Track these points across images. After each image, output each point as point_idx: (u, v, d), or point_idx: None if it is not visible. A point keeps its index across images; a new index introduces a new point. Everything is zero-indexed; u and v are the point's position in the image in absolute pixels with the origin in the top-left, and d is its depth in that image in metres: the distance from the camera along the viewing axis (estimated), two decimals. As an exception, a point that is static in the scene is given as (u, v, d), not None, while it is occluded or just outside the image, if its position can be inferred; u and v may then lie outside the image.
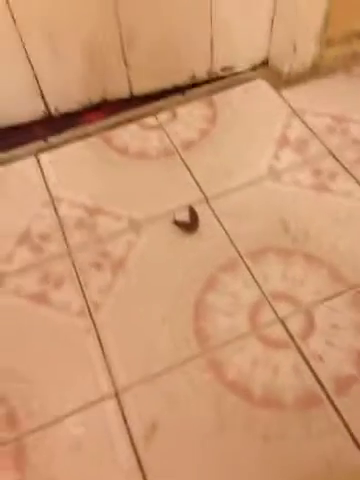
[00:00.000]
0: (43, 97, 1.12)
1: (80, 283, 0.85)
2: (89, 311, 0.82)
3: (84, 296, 0.84)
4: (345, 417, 0.68)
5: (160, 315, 0.81)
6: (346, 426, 0.68)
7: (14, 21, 0.98)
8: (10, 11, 0.96)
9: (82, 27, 1.03)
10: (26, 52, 1.03)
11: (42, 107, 1.14)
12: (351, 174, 0.96)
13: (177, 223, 0.92)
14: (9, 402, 0.73)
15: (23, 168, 1.06)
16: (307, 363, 0.73)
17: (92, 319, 0.81)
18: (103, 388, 0.73)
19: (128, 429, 0.69)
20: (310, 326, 0.77)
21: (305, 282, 0.82)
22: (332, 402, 0.70)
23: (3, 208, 0.99)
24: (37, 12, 0.98)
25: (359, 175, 0.96)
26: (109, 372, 0.75)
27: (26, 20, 0.98)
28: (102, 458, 0.67)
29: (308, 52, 1.13)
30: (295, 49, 1.11)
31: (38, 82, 1.09)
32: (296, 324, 0.77)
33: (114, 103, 1.18)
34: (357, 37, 1.17)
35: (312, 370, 0.72)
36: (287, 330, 0.77)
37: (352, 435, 0.67)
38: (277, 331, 0.77)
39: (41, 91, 1.11)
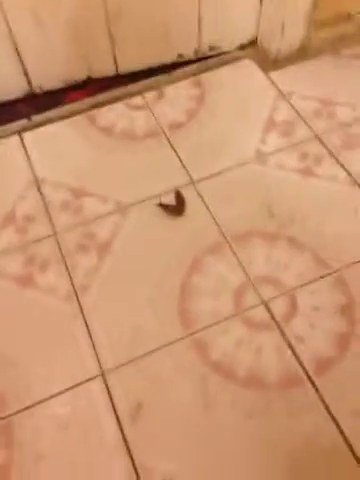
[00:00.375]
0: (27, 75, 1.10)
1: (66, 265, 0.85)
2: (75, 294, 0.82)
3: (70, 279, 0.84)
4: (324, 396, 0.71)
5: (146, 297, 0.81)
6: (325, 405, 0.70)
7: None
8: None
9: (67, 3, 1.00)
10: (10, 29, 1.00)
11: (26, 85, 1.11)
12: (336, 159, 0.97)
13: (162, 206, 0.92)
14: (-4, 383, 0.74)
15: (6, 147, 1.05)
16: (289, 345, 0.75)
17: (78, 301, 0.81)
18: (89, 369, 0.74)
19: (114, 408, 0.71)
20: (293, 309, 0.79)
21: (289, 266, 0.83)
22: (312, 382, 0.72)
23: (-13, 188, 0.97)
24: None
25: (344, 160, 0.96)
26: (95, 353, 0.76)
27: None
28: (89, 436, 0.69)
29: (296, 33, 1.12)
30: (283, 30, 1.10)
31: (21, 60, 1.07)
32: (279, 307, 0.79)
33: (99, 81, 1.16)
34: (345, 19, 1.16)
35: (294, 351, 0.75)
36: (270, 312, 0.79)
37: (330, 413, 0.70)
38: (260, 313, 0.79)
39: (25, 69, 1.08)
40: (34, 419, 0.70)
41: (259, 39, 1.18)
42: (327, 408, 0.70)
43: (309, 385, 0.72)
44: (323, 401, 0.70)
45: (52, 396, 0.72)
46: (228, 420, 0.70)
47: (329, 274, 0.82)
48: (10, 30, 1.01)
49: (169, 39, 1.13)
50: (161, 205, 0.92)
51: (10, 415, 0.71)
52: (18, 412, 0.71)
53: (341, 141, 1.00)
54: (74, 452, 0.68)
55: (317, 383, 0.72)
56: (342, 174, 0.95)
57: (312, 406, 0.71)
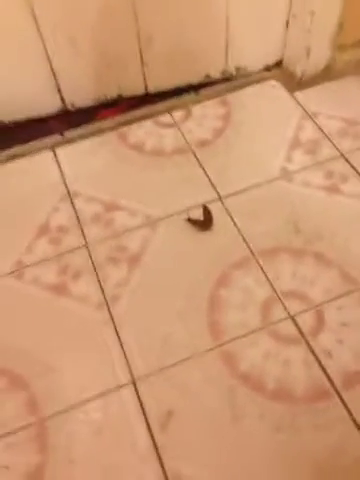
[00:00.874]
0: (60, 92, 1.14)
1: (97, 276, 0.88)
2: (107, 303, 0.85)
3: (101, 289, 0.87)
4: (351, 410, 0.72)
5: (175, 309, 0.84)
6: (352, 418, 0.71)
7: (35, 20, 1.00)
8: (32, 11, 0.98)
9: (102, 31, 1.06)
10: (45, 49, 1.06)
11: (59, 102, 1.16)
12: (362, 177, 0.99)
13: (190, 221, 0.95)
14: (31, 388, 0.76)
15: (40, 161, 1.09)
16: (317, 359, 0.76)
17: (110, 312, 0.84)
18: (121, 377, 0.76)
19: (145, 415, 0.73)
20: (320, 323, 0.80)
21: (315, 281, 0.85)
22: (340, 396, 0.73)
23: (22, 200, 1.01)
24: (59, 15, 1.01)
25: (370, 178, 0.99)
26: (126, 362, 0.78)
27: (47, 21, 1.01)
28: (121, 442, 0.71)
29: (322, 56, 1.15)
30: (309, 53, 1.13)
31: (56, 78, 1.12)
32: (306, 321, 0.80)
33: (129, 99, 1.20)
34: (369, 42, 1.19)
35: (321, 365, 0.76)
36: (297, 326, 0.80)
37: (358, 426, 0.71)
38: (288, 327, 0.80)
39: (58, 86, 1.13)
40: (68, 424, 0.72)
41: (285, 61, 1.22)
42: (354, 421, 0.71)
43: (337, 399, 0.73)
44: (351, 415, 0.71)
45: (85, 401, 0.74)
46: (255, 432, 0.71)
47: (357, 290, 0.83)
48: (46, 50, 1.06)
49: (197, 61, 1.17)
50: (189, 220, 0.95)
51: (45, 419, 0.73)
52: (52, 416, 0.73)
53: (366, 160, 1.02)
54: (106, 457, 0.70)
55: (344, 397, 0.73)
56: (368, 192, 0.97)
57: (339, 420, 0.72)
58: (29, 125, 1.16)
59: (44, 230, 0.96)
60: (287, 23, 1.15)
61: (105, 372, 0.77)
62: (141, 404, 0.74)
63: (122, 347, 0.80)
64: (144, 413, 0.73)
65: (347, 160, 1.02)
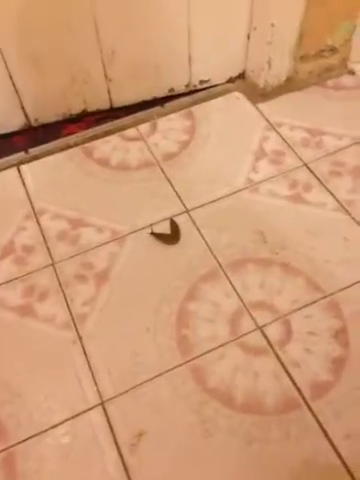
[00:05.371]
0: (23, 109, 1.13)
1: (64, 295, 0.87)
2: (74, 323, 0.83)
3: (69, 308, 0.85)
4: (321, 420, 0.72)
5: (144, 325, 0.83)
6: (322, 428, 0.72)
7: (-5, 36, 0.99)
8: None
9: (64, 46, 1.05)
10: (6, 66, 1.04)
11: (23, 118, 1.15)
12: (325, 186, 1.00)
13: (155, 235, 0.95)
14: (-4, 414, 0.74)
15: (4, 179, 1.07)
16: (285, 369, 0.77)
17: (77, 331, 0.83)
18: (89, 398, 0.75)
19: (114, 437, 0.72)
20: (288, 333, 0.81)
21: (283, 291, 0.86)
22: (309, 406, 0.73)
23: (-14, 220, 0.99)
24: (19, 32, 0.99)
25: (332, 187, 1.00)
26: (95, 382, 0.77)
27: (7, 38, 1.00)
28: (90, 466, 0.69)
29: (283, 67, 1.17)
30: (270, 64, 1.15)
31: (18, 94, 1.10)
32: (274, 332, 0.81)
33: (95, 114, 1.20)
34: (330, 51, 1.21)
35: (290, 376, 0.76)
36: (266, 338, 0.80)
37: (327, 436, 0.71)
38: (256, 338, 0.81)
39: (21, 103, 1.12)
40: (36, 449, 0.71)
41: (247, 73, 1.23)
42: (324, 431, 0.71)
43: (306, 409, 0.73)
44: (320, 424, 0.72)
45: (54, 426, 0.73)
46: (227, 446, 0.71)
47: (322, 298, 0.84)
48: (8, 68, 1.05)
49: (161, 75, 1.18)
50: (154, 234, 0.95)
51: (12, 446, 0.71)
52: (20, 443, 0.71)
53: (329, 169, 1.04)
54: (76, 482, 0.68)
55: (313, 407, 0.73)
56: (331, 201, 0.98)
57: (309, 430, 0.72)
58: (-8, 143, 1.14)
59: (9, 250, 0.94)
60: (248, 36, 1.16)
61: (73, 394, 0.76)
62: (110, 426, 0.72)
63: (90, 367, 0.78)
64: (113, 435, 0.72)
65: (310, 170, 1.03)
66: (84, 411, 0.74)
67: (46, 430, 0.72)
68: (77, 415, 0.74)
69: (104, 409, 0.74)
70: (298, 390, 0.75)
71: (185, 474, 0.69)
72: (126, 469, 0.69)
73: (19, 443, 0.72)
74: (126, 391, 0.76)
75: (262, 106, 1.18)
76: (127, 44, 1.09)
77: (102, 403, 0.74)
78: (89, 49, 1.08)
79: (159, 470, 0.69)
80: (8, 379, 0.78)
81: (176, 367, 0.78)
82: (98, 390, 0.76)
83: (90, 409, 0.74)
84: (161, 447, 0.71)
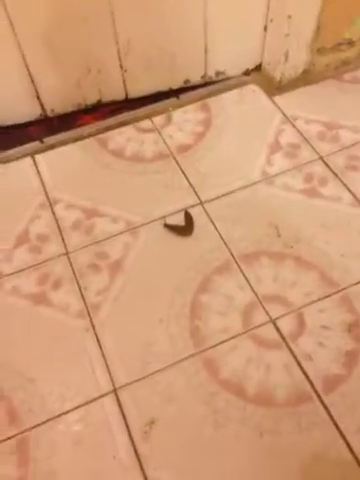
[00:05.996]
0: (39, 99, 1.14)
1: (78, 284, 0.88)
2: (88, 312, 0.84)
3: (83, 297, 0.86)
4: (333, 413, 0.72)
5: (157, 315, 0.83)
6: (333, 421, 0.72)
7: (12, 27, 0.99)
8: (8, 17, 0.97)
9: (80, 36, 1.05)
10: (23, 56, 1.05)
11: (39, 108, 1.15)
12: (340, 180, 1.00)
13: (169, 226, 0.95)
14: (11, 399, 0.75)
15: (20, 168, 1.08)
16: (297, 362, 0.77)
17: (91, 319, 0.83)
18: (102, 386, 0.76)
19: (127, 425, 0.72)
20: (301, 327, 0.80)
21: (296, 284, 0.85)
22: (321, 400, 0.73)
23: (1, 208, 1.00)
24: (36, 21, 1.00)
25: (348, 181, 0.99)
26: (108, 370, 0.77)
27: (24, 27, 1.00)
28: (102, 452, 0.70)
29: (299, 60, 1.16)
30: (287, 57, 1.14)
31: (34, 84, 1.11)
32: (287, 325, 0.81)
33: (110, 105, 1.20)
34: (347, 45, 1.20)
35: (302, 369, 0.76)
36: (278, 330, 0.80)
37: (339, 429, 0.71)
38: (269, 331, 0.80)
39: (37, 93, 1.12)
40: (49, 435, 0.72)
41: (264, 65, 1.22)
42: (335, 424, 0.71)
43: (318, 402, 0.73)
44: (331, 417, 0.72)
45: (66, 412, 0.73)
46: (238, 437, 0.71)
47: (336, 293, 0.84)
48: (24, 58, 1.05)
49: (176, 66, 1.17)
50: (167, 226, 0.95)
51: (24, 431, 0.72)
52: (33, 428, 0.72)
53: (345, 163, 1.03)
54: (88, 468, 0.69)
55: (325, 400, 0.73)
56: (346, 195, 0.97)
57: (321, 422, 0.72)
58: (8, 132, 1.15)
59: (24, 238, 0.95)
60: (265, 27, 1.15)
61: (86, 381, 0.76)
62: (123, 413, 0.73)
63: (103, 355, 0.79)
64: (126, 422, 0.72)
65: (326, 163, 1.03)
66: (96, 398, 0.75)
67: (59, 416, 0.73)
68: (89, 402, 0.74)
69: (117, 396, 0.75)
70: (310, 383, 0.75)
71: (196, 463, 0.69)
72: (138, 456, 0.69)
73: (31, 428, 0.72)
74: (138, 379, 0.76)
75: (278, 99, 1.17)
76: (143, 34, 1.09)
77: (115, 390, 0.75)
78: (105, 39, 1.07)
79: (170, 458, 0.70)
80: (21, 365, 0.79)
81: (189, 357, 0.78)
82: (111, 378, 0.76)
83: (102, 396, 0.75)
84: (173, 435, 0.71)
